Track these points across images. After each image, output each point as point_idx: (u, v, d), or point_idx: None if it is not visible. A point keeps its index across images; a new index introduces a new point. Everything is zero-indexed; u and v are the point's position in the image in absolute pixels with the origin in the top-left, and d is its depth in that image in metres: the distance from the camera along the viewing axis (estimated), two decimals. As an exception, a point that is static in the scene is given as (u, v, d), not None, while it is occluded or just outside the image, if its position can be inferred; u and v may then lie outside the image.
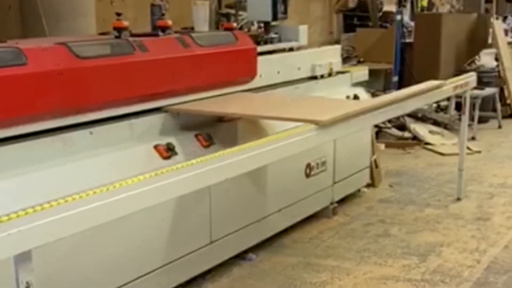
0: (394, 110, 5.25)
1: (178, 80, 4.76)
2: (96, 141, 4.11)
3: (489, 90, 10.22)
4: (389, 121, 9.35)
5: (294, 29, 6.44)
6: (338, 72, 6.80)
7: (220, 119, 4.89)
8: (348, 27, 12.52)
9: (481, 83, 9.08)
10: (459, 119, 7.88)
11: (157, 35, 4.86)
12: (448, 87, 6.14)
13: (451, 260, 5.27)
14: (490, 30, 11.84)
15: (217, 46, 5.14)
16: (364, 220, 6.23)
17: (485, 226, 6.07)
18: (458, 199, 6.79)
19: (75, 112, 4.02)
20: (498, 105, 10.59)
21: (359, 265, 5.19)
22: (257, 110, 4.86)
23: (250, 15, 6.62)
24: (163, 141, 4.41)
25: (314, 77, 6.42)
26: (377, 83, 10.70)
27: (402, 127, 9.50)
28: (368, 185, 7.09)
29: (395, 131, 9.43)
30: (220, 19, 7.36)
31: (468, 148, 8.02)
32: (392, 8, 12.30)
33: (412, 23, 12.26)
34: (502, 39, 11.60)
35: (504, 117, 10.76)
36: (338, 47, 7.15)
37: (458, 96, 7.43)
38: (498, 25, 11.81)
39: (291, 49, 6.41)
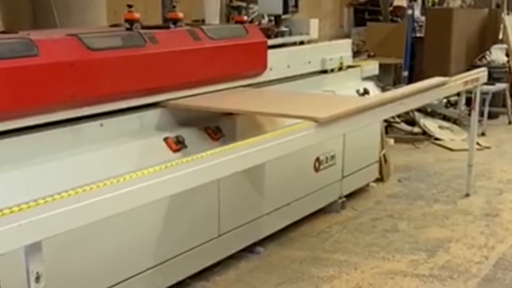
0: (396, 108, 5.15)
1: (188, 73, 4.76)
2: (106, 133, 4.11)
3: (499, 86, 10.17)
4: (399, 116, 9.33)
5: (305, 22, 6.44)
6: (349, 66, 6.79)
7: (229, 113, 4.89)
8: (359, 21, 12.50)
9: (492, 79, 9.04)
10: (469, 115, 7.89)
11: (168, 27, 4.86)
12: (458, 82, 6.11)
13: (460, 256, 5.27)
14: (501, 25, 11.80)
15: (227, 39, 5.13)
16: (373, 215, 6.23)
17: (493, 222, 6.06)
18: (467, 194, 6.78)
19: (86, 104, 4.02)
20: (509, 101, 10.57)
21: (367, 259, 5.20)
22: (256, 106, 4.77)
23: (261, 8, 6.63)
24: (173, 134, 4.42)
25: (324, 71, 6.41)
26: (387, 77, 10.69)
27: (412, 122, 9.49)
28: (376, 180, 7.09)
29: (404, 126, 9.42)
30: (231, 12, 7.38)
31: (477, 143, 8.02)
32: (403, 2, 12.28)
33: (423, 18, 12.23)
34: (513, 35, 11.56)
35: (514, 113, 10.75)
36: (348, 41, 7.14)
37: (468, 92, 7.43)
38: (509, 21, 11.77)
39: (301, 43, 6.40)
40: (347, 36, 11.12)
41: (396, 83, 10.58)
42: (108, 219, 2.89)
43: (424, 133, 9.34)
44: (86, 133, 4.01)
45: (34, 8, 6.65)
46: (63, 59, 3.84)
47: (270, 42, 5.75)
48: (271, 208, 5.34)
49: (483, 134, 9.42)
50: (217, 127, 4.70)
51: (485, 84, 7.25)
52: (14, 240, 2.46)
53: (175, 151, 4.34)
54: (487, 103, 9.62)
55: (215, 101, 4.78)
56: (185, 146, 4.41)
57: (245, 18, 5.88)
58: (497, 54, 11.08)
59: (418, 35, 11.69)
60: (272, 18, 6.43)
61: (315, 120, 4.11)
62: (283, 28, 6.31)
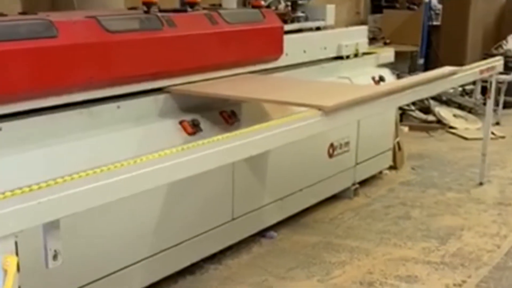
0: (405, 97, 5.06)
1: (204, 57, 4.78)
2: (123, 115, 4.15)
3: (515, 75, 10.13)
4: (414, 104, 9.34)
5: (321, 8, 6.45)
6: (364, 53, 6.79)
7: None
8: (375, 8, 12.45)
9: (508, 68, 9.00)
10: (484, 104, 7.87)
11: (185, 11, 4.88)
12: (473, 71, 6.09)
13: (471, 244, 5.29)
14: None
15: (244, 23, 5.15)
16: (385, 202, 6.25)
17: (506, 211, 6.07)
18: (481, 183, 6.79)
19: (103, 86, 4.05)
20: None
21: (379, 246, 5.23)
22: (262, 93, 4.68)
23: (277, -7, 6.62)
24: (189, 117, 4.45)
25: (340, 57, 6.42)
26: (403, 65, 10.67)
27: (427, 110, 9.49)
28: (390, 168, 7.11)
29: (419, 114, 9.42)
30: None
31: (492, 133, 8.01)
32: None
33: (440, 6, 12.18)
34: (530, 24, 11.52)
35: (529, 103, 10.70)
36: (365, 28, 7.13)
37: (484, 81, 7.41)
38: (527, 10, 11.72)
39: (317, 29, 6.41)
40: (364, 23, 11.09)
41: (412, 70, 10.56)
42: (123, 200, 2.93)
43: (439, 121, 9.34)
44: (103, 114, 4.04)
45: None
46: (82, 40, 3.86)
47: (287, 27, 5.76)
48: (284, 193, 5.37)
49: (497, 123, 9.40)
50: (232, 112, 4.73)
51: (501, 73, 7.23)
52: (33, 218, 2.50)
53: (190, 134, 4.36)
54: (502, 92, 9.58)
55: (222, 87, 4.73)
56: (201, 130, 4.44)
57: (262, 3, 5.88)
58: (513, 44, 11.04)
59: (434, 23, 11.65)
60: (289, 3, 6.44)
61: (320, 108, 4.06)
62: (300, 14, 6.32)
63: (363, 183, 6.55)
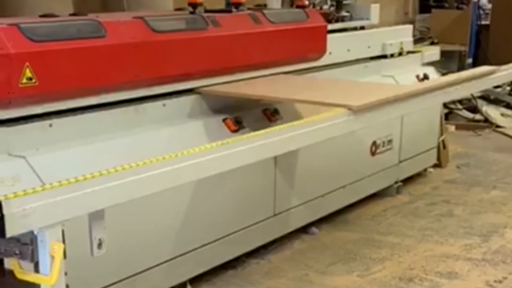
0: (438, 97, 5.00)
1: (248, 56, 4.89)
2: (168, 112, 4.29)
3: None
4: (460, 102, 9.32)
5: (366, 7, 6.51)
6: (409, 52, 6.84)
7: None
8: (424, 8, 12.43)
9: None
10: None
11: (230, 11, 5.00)
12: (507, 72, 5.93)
13: (514, 242, 5.32)
14: None
15: (288, 23, 5.25)
16: (428, 199, 6.29)
17: (551, 210, 6.07)
18: (526, 182, 6.78)
19: (149, 84, 4.19)
20: None
21: (420, 243, 5.28)
22: (290, 93, 4.68)
23: (323, -7, 6.71)
24: (232, 115, 4.57)
25: (384, 56, 6.48)
26: (451, 64, 10.65)
27: (474, 109, 9.45)
28: (434, 166, 7.14)
29: (466, 113, 9.39)
30: (294, -3, 7.46)
31: (539, 132, 7.97)
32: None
33: (489, 5, 12.10)
34: None
35: None
36: (410, 27, 7.16)
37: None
38: None
39: (362, 28, 6.48)
40: (412, 22, 11.09)
41: (460, 70, 10.51)
42: (169, 193, 3.06)
43: (486, 120, 9.29)
44: (149, 112, 4.18)
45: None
46: (129, 40, 4.01)
47: (331, 26, 5.84)
48: (326, 190, 5.45)
49: (545, 122, 9.33)
50: (275, 109, 4.83)
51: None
52: (79, 207, 2.65)
53: (233, 131, 4.48)
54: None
55: (254, 87, 4.75)
56: (243, 127, 4.55)
57: (306, 2, 5.97)
58: None
59: (483, 22, 11.58)
60: (334, 3, 6.52)
61: (348, 108, 4.07)
62: (344, 13, 6.40)
63: (407, 181, 6.59)
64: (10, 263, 2.64)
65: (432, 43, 10.17)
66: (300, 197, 5.19)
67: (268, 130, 3.59)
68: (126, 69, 4.00)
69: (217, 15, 4.74)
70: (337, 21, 6.25)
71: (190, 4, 4.69)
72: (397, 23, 10.44)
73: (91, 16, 4.22)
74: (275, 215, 4.97)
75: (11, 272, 2.64)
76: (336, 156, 5.46)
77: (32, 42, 3.46)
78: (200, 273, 4.44)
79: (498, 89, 9.51)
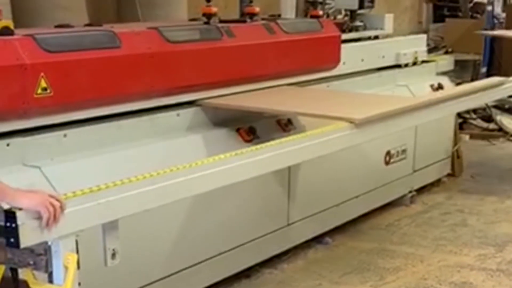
0: (444, 109, 4.95)
1: (263, 66, 4.91)
2: (182, 122, 4.31)
3: None
4: (474, 112, 9.29)
5: (380, 17, 6.53)
6: (423, 61, 6.84)
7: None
8: (438, 18, 12.41)
9: None
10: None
11: (244, 21, 5.02)
12: None
13: (529, 252, 5.29)
14: None
15: (302, 33, 5.27)
16: (442, 209, 6.27)
17: None
18: (541, 192, 6.75)
19: (164, 94, 4.21)
20: None
21: (434, 252, 5.26)
22: (293, 105, 4.59)
23: (337, 3, 6.75)
24: (246, 124, 4.58)
25: (398, 66, 6.48)
26: (465, 73, 10.60)
27: (488, 119, 9.42)
28: (448, 175, 7.12)
29: (480, 122, 9.36)
30: (308, 7, 7.49)
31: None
32: (484, -1, 12.13)
33: (504, 15, 12.06)
34: None
35: None
36: (423, 36, 7.18)
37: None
38: None
39: (376, 37, 6.48)
40: (425, 32, 11.08)
41: (474, 79, 10.48)
42: (182, 204, 3.08)
43: (500, 129, 9.26)
44: (163, 122, 4.21)
45: (119, 3, 6.93)
46: (144, 51, 4.04)
47: (345, 36, 5.86)
48: (340, 199, 5.45)
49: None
50: (289, 120, 4.83)
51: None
52: (93, 218, 2.67)
53: (247, 141, 4.49)
54: None
55: (258, 100, 4.68)
56: (257, 137, 4.56)
57: (321, 12, 5.99)
58: None
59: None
60: (348, 13, 6.53)
61: (351, 121, 4.02)
62: (358, 23, 6.41)
63: (421, 190, 6.58)
64: (24, 273, 2.66)
65: (446, 52, 10.14)
66: (314, 207, 5.19)
67: (263, 145, 3.54)
68: (141, 80, 4.02)
69: (231, 25, 4.77)
70: (351, 31, 6.27)
71: (204, 15, 4.71)
72: (411, 33, 10.44)
73: (106, 26, 4.26)
74: (288, 224, 4.98)
75: (25, 283, 2.66)
76: (350, 165, 5.46)
77: (47, 53, 3.50)
78: (214, 283, 4.44)
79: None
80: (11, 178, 2.81)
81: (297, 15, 6.28)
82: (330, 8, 7.58)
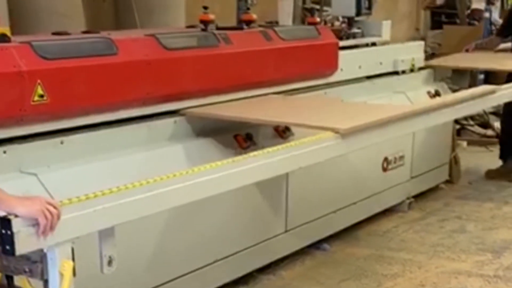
0: (432, 118, 4.84)
1: (260, 73, 4.92)
2: (179, 129, 4.30)
3: None
4: (472, 118, 9.29)
5: (377, 24, 6.52)
6: (420, 68, 6.85)
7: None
8: (436, 24, 12.43)
9: None
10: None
11: (241, 28, 5.03)
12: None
13: (526, 258, 5.29)
14: None
15: (299, 40, 5.27)
16: (440, 215, 6.27)
17: None
18: (538, 198, 6.75)
19: (161, 101, 4.22)
20: None
21: (432, 259, 5.26)
22: (278, 115, 4.51)
23: (334, 10, 6.76)
24: (243, 131, 4.58)
25: (395, 72, 6.49)
26: (463, 80, 10.60)
27: (485, 125, 9.43)
28: (446, 182, 7.12)
29: (477, 129, 9.37)
30: (306, 14, 7.51)
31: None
32: (481, 5, 12.16)
33: (501, 21, 12.08)
34: None
35: None
36: (421, 43, 7.19)
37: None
38: None
39: (373, 44, 6.49)
40: (423, 38, 11.10)
41: (472, 86, 10.48)
42: (177, 211, 3.07)
43: (498, 136, 9.24)
44: (160, 129, 4.21)
45: (117, 10, 6.95)
46: (141, 57, 4.04)
47: (342, 43, 5.86)
48: (338, 206, 5.45)
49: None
50: (286, 127, 4.83)
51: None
52: (89, 225, 2.67)
53: (244, 148, 4.48)
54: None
55: (243, 109, 4.58)
56: (254, 143, 4.56)
57: (318, 19, 6.00)
58: None
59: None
60: (346, 20, 6.54)
61: (336, 131, 3.93)
62: (356, 30, 6.41)
63: (418, 197, 6.57)
64: (20, 281, 2.66)
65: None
66: (312, 213, 5.19)
67: (246, 156, 3.47)
68: (138, 87, 4.03)
69: (228, 32, 4.77)
70: (348, 37, 6.27)
71: (201, 21, 4.72)
72: (408, 40, 10.46)
73: (103, 33, 4.27)
74: (286, 231, 4.98)
75: (21, 290, 2.66)
76: (348, 172, 5.46)
77: (44, 60, 3.51)
78: (211, 290, 4.45)
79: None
80: (7, 185, 2.80)
81: (294, 22, 6.28)
82: (328, 15, 7.60)
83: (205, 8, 4.76)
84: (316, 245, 5.35)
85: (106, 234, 2.78)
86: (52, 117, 3.58)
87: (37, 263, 2.53)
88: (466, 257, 5.31)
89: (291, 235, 5.01)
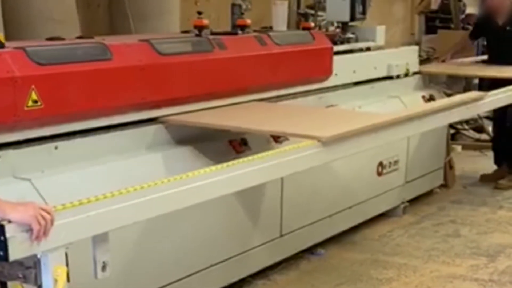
0: (417, 126, 4.79)
1: (255, 78, 4.92)
2: (173, 135, 4.30)
3: None
4: (466, 122, 9.31)
5: (372, 29, 6.53)
6: (415, 73, 6.86)
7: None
8: (430, 29, 12.44)
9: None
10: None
11: (236, 33, 5.04)
12: (505, 95, 5.84)
13: (521, 262, 5.30)
14: None
15: (293, 45, 5.28)
16: (435, 220, 6.28)
17: (558, 230, 6.05)
18: (533, 202, 6.76)
19: (155, 107, 4.22)
20: None
21: (427, 263, 5.27)
22: (261, 123, 4.41)
23: (328, 16, 6.75)
24: (238, 136, 4.58)
25: (390, 77, 6.50)
26: (457, 84, 10.61)
27: (480, 129, 9.44)
28: (441, 186, 7.13)
29: (472, 133, 9.39)
30: (300, 19, 7.51)
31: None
32: (475, 10, 12.18)
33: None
34: None
35: None
36: (415, 48, 7.20)
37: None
38: None
39: (368, 49, 6.50)
40: (418, 43, 11.12)
41: (466, 90, 10.49)
42: (172, 216, 3.07)
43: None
44: (154, 134, 4.21)
45: (111, 16, 6.95)
46: (135, 63, 4.04)
47: (336, 48, 5.87)
48: (333, 210, 5.46)
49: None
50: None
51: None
52: (83, 230, 2.66)
53: (239, 152, 4.48)
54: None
55: (224, 116, 4.51)
56: (249, 148, 4.56)
57: (312, 24, 6.00)
58: None
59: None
60: (340, 25, 6.55)
61: (318, 139, 3.84)
62: (350, 35, 6.42)
63: (413, 201, 6.58)
64: (13, 287, 2.65)
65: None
66: (307, 218, 5.20)
67: (229, 163, 3.39)
68: (132, 92, 4.03)
69: (223, 37, 4.78)
70: (342, 42, 6.27)
71: (196, 27, 4.72)
72: (403, 44, 10.48)
73: (98, 39, 4.26)
74: (281, 236, 4.98)
75: (15, 295, 2.65)
76: (343, 176, 5.47)
77: (38, 66, 3.51)
78: (206, 295, 4.44)
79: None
80: (1, 190, 2.81)
81: (288, 27, 6.27)
82: (322, 20, 7.59)
83: (200, 13, 4.77)
84: (311, 250, 5.36)
85: (99, 239, 2.78)
86: (46, 122, 3.58)
87: (30, 269, 2.53)
88: (461, 261, 5.32)
89: (286, 239, 5.02)
